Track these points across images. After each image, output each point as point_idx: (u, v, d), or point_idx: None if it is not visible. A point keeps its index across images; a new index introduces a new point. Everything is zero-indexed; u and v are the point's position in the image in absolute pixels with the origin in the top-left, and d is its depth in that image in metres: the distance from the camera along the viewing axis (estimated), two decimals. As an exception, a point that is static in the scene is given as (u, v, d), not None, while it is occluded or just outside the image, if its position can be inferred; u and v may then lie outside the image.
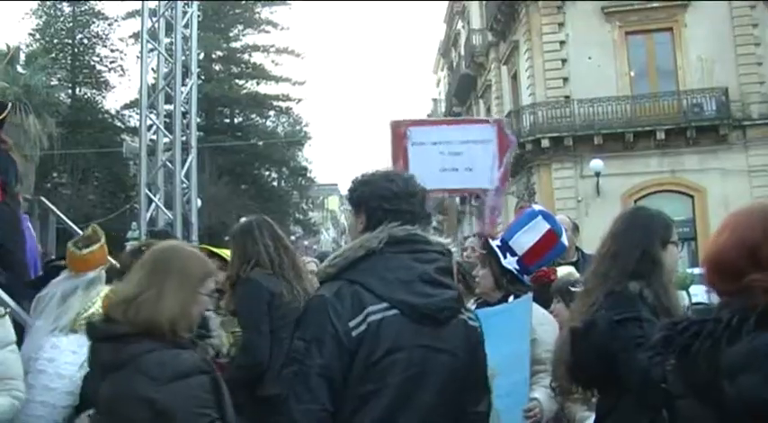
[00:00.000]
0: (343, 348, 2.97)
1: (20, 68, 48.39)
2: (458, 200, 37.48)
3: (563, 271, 6.45)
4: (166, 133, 14.84)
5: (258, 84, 64.21)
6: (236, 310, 5.57)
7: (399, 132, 5.75)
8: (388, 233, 3.17)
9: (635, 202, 31.77)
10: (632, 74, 34.35)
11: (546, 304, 5.53)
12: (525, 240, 5.12)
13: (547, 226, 5.23)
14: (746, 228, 2.74)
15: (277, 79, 63.72)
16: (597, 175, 32.16)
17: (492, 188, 5.67)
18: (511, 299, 4.94)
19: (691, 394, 2.84)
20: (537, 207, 5.63)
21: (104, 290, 4.88)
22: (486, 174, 5.58)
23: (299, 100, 66.30)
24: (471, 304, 5.20)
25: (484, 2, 44.73)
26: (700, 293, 22.49)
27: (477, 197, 5.92)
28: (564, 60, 34.45)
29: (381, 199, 3.26)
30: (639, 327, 3.60)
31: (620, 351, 3.61)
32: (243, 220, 6.08)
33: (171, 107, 15.45)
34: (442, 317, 3.13)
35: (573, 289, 5.11)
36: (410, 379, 3.03)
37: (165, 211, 14.57)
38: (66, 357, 4.55)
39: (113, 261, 5.63)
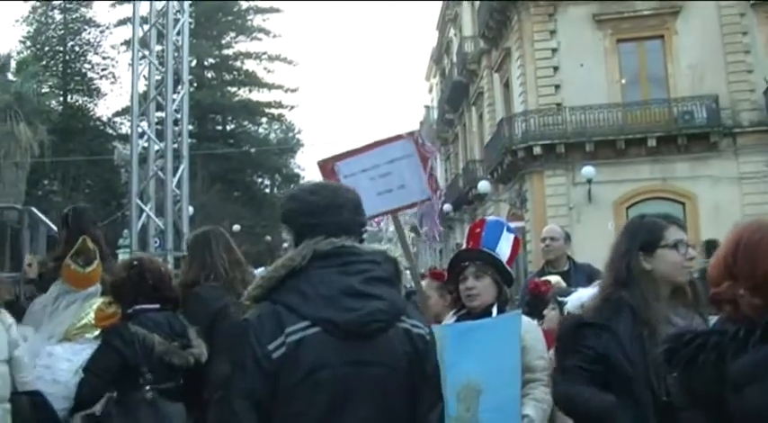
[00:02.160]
0: (265, 371, 2.92)
1: (10, 76, 48.44)
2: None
3: (552, 280, 6.52)
4: (157, 142, 14.83)
5: (250, 91, 64.48)
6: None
7: (327, 170, 5.86)
8: (313, 248, 3.09)
9: (626, 209, 31.82)
10: (623, 81, 34.30)
11: (538, 315, 5.59)
12: (506, 248, 5.15)
13: (512, 235, 5.29)
14: (727, 241, 2.78)
15: (269, 86, 63.92)
16: (589, 182, 32.08)
17: (425, 198, 5.77)
18: (494, 311, 4.91)
19: (695, 406, 2.85)
20: (492, 218, 5.74)
21: (98, 302, 5.17)
22: (417, 187, 5.68)
23: (292, 107, 66.55)
24: (451, 317, 5.17)
25: (476, 9, 44.80)
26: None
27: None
28: (555, 68, 34.41)
29: (308, 214, 3.20)
30: (597, 336, 3.70)
31: (566, 351, 3.81)
32: (199, 230, 6.22)
33: (162, 115, 15.46)
34: (368, 330, 3.03)
35: (561, 299, 5.15)
36: (338, 396, 2.97)
37: (156, 219, 14.57)
38: (62, 364, 4.75)
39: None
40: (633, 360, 3.61)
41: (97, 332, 5.03)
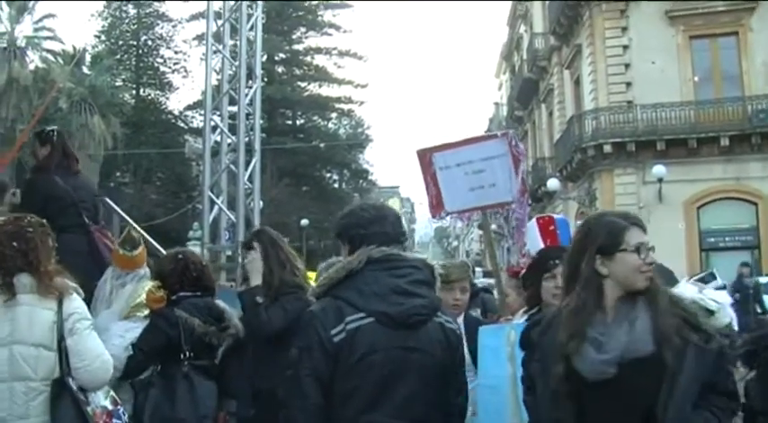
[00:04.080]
0: (328, 353, 3.59)
1: (85, 69, 49.38)
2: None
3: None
4: (230, 135, 15.01)
5: (320, 86, 64.70)
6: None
7: (426, 160, 6.10)
8: (367, 255, 3.76)
9: (697, 209, 31.42)
10: (696, 79, 33.83)
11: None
12: None
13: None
14: None
15: (339, 82, 64.10)
16: (660, 181, 31.70)
17: (513, 200, 5.83)
18: None
19: None
20: (557, 215, 5.78)
21: (149, 284, 5.79)
22: (507, 187, 5.77)
23: (362, 102, 66.71)
24: (521, 316, 5.14)
25: (547, 5, 44.51)
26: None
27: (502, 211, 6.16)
28: (627, 65, 34.07)
29: (358, 226, 3.90)
30: (531, 354, 3.76)
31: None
32: (261, 229, 6.46)
33: (235, 109, 15.64)
34: (412, 322, 3.69)
35: None
36: (387, 375, 3.61)
37: (228, 212, 14.74)
38: (115, 340, 5.39)
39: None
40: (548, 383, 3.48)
41: (147, 311, 5.70)
